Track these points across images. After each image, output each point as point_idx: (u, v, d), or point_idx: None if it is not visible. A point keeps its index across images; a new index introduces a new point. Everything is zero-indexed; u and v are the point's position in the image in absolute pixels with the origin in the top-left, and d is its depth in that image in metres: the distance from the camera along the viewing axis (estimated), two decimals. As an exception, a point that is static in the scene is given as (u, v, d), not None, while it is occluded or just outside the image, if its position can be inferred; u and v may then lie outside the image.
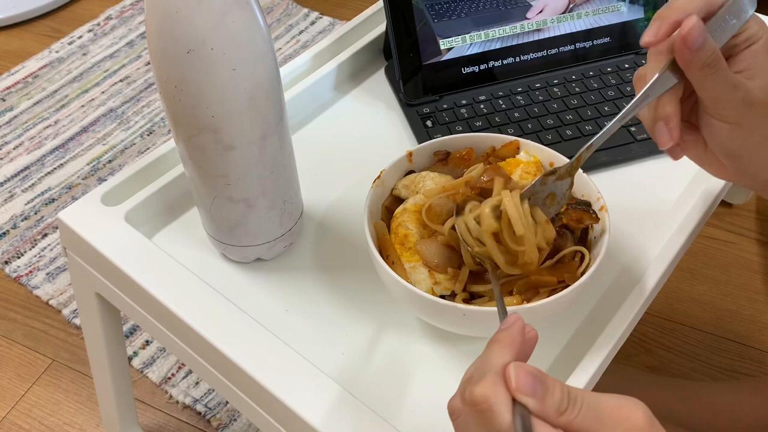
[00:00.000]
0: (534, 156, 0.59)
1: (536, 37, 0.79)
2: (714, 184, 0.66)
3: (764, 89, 0.45)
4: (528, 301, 0.50)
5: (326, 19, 1.70)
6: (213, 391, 1.02)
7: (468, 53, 0.78)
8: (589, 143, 0.50)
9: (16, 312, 1.13)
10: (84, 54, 1.61)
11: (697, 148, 0.50)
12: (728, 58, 0.46)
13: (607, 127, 0.49)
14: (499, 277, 0.51)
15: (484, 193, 0.55)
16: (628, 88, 0.78)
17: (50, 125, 1.44)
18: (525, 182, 0.54)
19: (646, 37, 0.46)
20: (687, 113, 0.49)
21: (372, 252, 0.52)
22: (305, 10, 1.73)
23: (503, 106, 0.76)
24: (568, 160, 0.57)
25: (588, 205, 0.55)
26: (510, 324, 0.38)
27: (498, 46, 0.78)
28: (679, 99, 0.47)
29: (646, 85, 0.46)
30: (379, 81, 0.82)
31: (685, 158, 0.53)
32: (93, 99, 1.50)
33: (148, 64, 1.58)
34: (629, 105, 0.48)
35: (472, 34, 0.77)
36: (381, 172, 0.57)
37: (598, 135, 0.50)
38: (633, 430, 0.33)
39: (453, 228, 0.53)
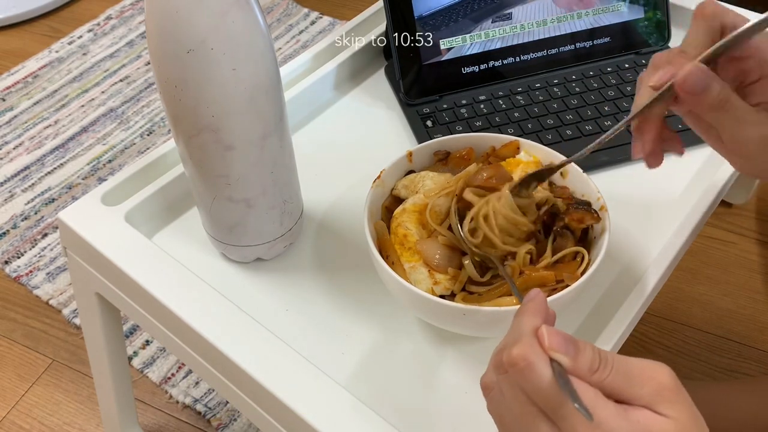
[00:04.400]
0: (534, 156, 0.59)
1: (536, 36, 0.79)
2: (714, 184, 0.66)
3: (758, 125, 0.45)
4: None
5: (326, 19, 1.70)
6: (213, 391, 1.02)
7: (468, 53, 0.78)
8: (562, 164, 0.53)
9: (16, 312, 1.13)
10: (84, 54, 1.61)
11: (714, 143, 0.50)
12: (746, 87, 0.46)
13: (606, 134, 0.50)
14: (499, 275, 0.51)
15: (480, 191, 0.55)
16: (629, 88, 0.78)
17: (50, 125, 1.44)
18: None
19: (653, 82, 0.46)
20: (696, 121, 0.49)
21: (372, 252, 0.52)
22: (305, 10, 1.73)
23: (503, 106, 0.76)
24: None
25: (588, 205, 0.55)
26: (533, 296, 0.39)
27: (498, 46, 0.78)
28: (662, 117, 0.48)
29: (633, 110, 0.48)
30: (379, 81, 0.82)
31: (685, 157, 0.53)
32: (93, 99, 1.50)
33: (148, 64, 1.58)
34: (623, 120, 0.49)
35: (472, 34, 0.77)
36: (381, 172, 0.57)
37: (577, 154, 0.52)
38: (660, 389, 0.34)
39: (449, 228, 0.53)
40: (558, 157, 0.58)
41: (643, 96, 0.48)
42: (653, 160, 0.51)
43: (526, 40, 0.79)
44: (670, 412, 0.33)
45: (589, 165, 0.68)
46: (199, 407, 1.00)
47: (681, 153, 0.51)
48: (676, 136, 0.51)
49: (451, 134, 0.63)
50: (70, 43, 1.64)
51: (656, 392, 0.34)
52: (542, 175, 0.53)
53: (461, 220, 0.54)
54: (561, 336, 0.35)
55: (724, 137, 0.46)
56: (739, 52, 0.46)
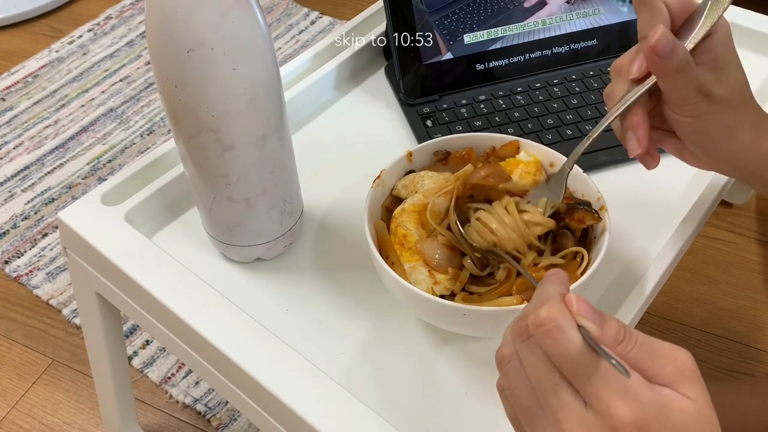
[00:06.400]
0: (534, 156, 0.59)
1: (536, 36, 0.79)
2: (714, 184, 0.66)
3: (722, 83, 0.47)
4: (528, 301, 0.50)
5: (326, 19, 1.70)
6: (213, 390, 1.02)
7: (468, 53, 0.78)
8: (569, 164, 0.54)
9: (16, 312, 1.13)
10: (84, 54, 1.61)
11: (674, 143, 0.52)
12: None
13: (598, 126, 0.51)
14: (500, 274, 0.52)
15: (477, 189, 0.55)
16: (628, 88, 0.78)
17: (50, 125, 1.44)
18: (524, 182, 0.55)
19: (633, 72, 0.48)
20: (653, 117, 0.51)
21: (372, 252, 0.52)
22: (305, 10, 1.73)
23: (503, 106, 0.76)
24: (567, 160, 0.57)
25: (588, 205, 0.55)
26: (556, 271, 0.39)
27: (498, 45, 0.78)
28: (646, 109, 0.49)
29: (617, 102, 0.49)
30: (379, 81, 0.82)
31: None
32: (93, 99, 1.50)
33: (148, 63, 1.58)
34: (608, 114, 0.50)
35: (472, 33, 0.77)
36: (381, 172, 0.57)
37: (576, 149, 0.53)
38: (682, 369, 0.34)
39: (448, 228, 0.53)
40: (558, 157, 0.58)
41: (620, 84, 0.49)
42: (650, 159, 0.51)
43: (526, 40, 0.79)
44: (691, 394, 0.33)
45: (589, 165, 0.68)
46: (199, 407, 1.00)
47: (679, 145, 0.52)
48: (663, 132, 0.52)
49: (451, 134, 0.63)
50: (70, 43, 1.64)
51: (678, 372, 0.34)
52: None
53: (460, 220, 0.54)
54: (588, 304, 0.35)
55: (671, 103, 0.48)
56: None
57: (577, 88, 0.78)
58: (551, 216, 0.53)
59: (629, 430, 0.32)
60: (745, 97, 0.49)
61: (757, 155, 0.50)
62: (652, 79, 0.48)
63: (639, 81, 0.49)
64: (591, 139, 0.52)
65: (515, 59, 0.79)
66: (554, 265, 0.52)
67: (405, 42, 0.75)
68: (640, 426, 0.32)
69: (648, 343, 0.35)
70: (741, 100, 0.49)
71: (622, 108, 0.49)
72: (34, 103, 1.49)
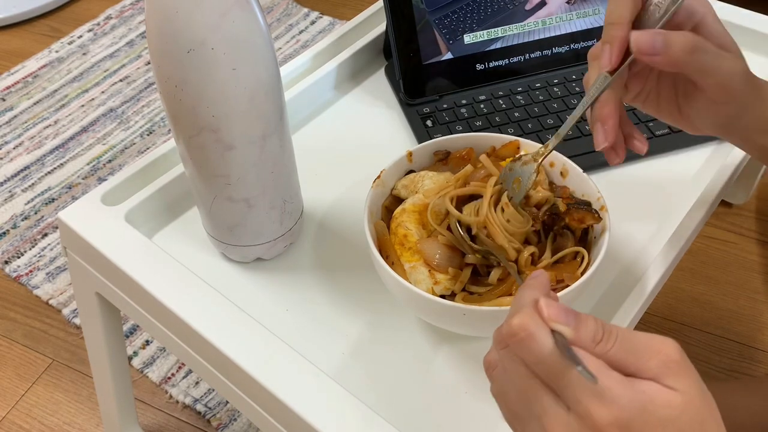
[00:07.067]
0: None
1: (536, 36, 0.79)
2: (714, 184, 0.66)
3: (737, 56, 0.47)
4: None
5: (326, 19, 1.70)
6: (213, 390, 1.02)
7: (468, 53, 0.78)
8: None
9: (16, 312, 1.13)
10: (84, 54, 1.61)
11: (652, 103, 0.52)
12: None
13: (569, 119, 0.51)
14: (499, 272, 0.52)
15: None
16: (628, 88, 0.78)
17: (50, 125, 1.44)
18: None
19: (604, 65, 0.47)
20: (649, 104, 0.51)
21: (372, 252, 0.52)
22: (305, 10, 1.73)
23: (503, 106, 0.76)
24: (567, 160, 0.57)
25: (588, 205, 0.55)
26: (536, 274, 0.39)
27: (498, 45, 0.78)
28: (617, 102, 0.48)
29: (590, 88, 0.48)
30: (379, 81, 0.82)
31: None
32: (93, 99, 1.50)
33: (148, 63, 1.58)
34: (582, 101, 0.50)
35: (472, 33, 0.77)
36: (381, 172, 0.57)
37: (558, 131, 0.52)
38: (667, 362, 0.33)
39: (448, 228, 0.53)
40: (558, 157, 0.58)
41: (593, 72, 0.49)
42: (614, 155, 0.51)
43: (526, 40, 0.79)
44: (678, 385, 0.33)
45: (589, 165, 0.68)
46: (199, 407, 1.00)
47: (643, 150, 0.52)
48: (635, 130, 0.52)
49: (451, 134, 0.63)
50: (70, 43, 1.64)
51: (663, 365, 0.33)
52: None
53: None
54: (561, 307, 0.35)
55: (706, 83, 0.47)
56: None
57: (577, 88, 0.78)
58: (547, 211, 0.53)
59: (611, 431, 0.32)
60: (750, 71, 0.49)
61: None
62: (621, 70, 0.47)
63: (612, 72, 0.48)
64: (569, 127, 0.51)
65: (515, 59, 0.79)
66: (558, 261, 0.52)
67: (405, 42, 0.75)
68: (621, 425, 0.32)
69: (630, 338, 0.34)
70: (751, 75, 0.49)
71: (592, 99, 0.48)
72: (34, 103, 1.49)
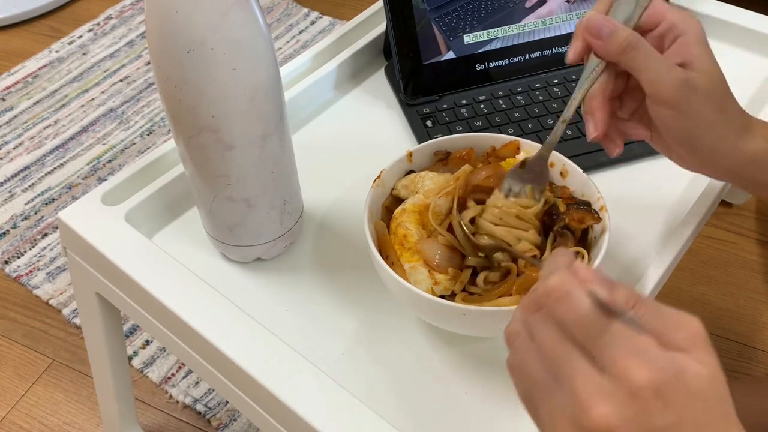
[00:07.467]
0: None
1: (536, 36, 0.79)
2: (714, 184, 0.66)
3: (704, 75, 0.48)
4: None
5: (326, 19, 1.70)
6: (213, 391, 1.02)
7: (468, 53, 0.78)
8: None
9: (16, 312, 1.13)
10: (84, 54, 1.61)
11: (661, 142, 0.52)
12: (665, 51, 0.49)
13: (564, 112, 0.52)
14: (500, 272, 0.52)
15: (478, 190, 0.55)
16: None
17: (50, 125, 1.44)
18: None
19: (570, 57, 0.50)
20: (637, 113, 0.52)
21: (372, 252, 0.52)
22: (305, 10, 1.73)
23: (503, 106, 0.76)
24: (567, 160, 0.57)
25: (588, 205, 0.55)
26: (560, 249, 0.39)
27: (498, 45, 0.78)
28: (606, 94, 0.50)
29: (580, 79, 0.50)
30: (379, 81, 0.82)
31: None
32: (93, 99, 1.50)
33: (148, 64, 1.58)
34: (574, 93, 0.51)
35: (472, 33, 0.77)
36: (381, 172, 0.57)
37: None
38: (695, 335, 0.34)
39: (449, 229, 0.53)
40: (558, 157, 0.58)
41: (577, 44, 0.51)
42: (612, 145, 0.52)
43: (526, 40, 0.79)
44: (705, 359, 0.33)
45: (589, 165, 0.68)
46: (199, 407, 1.00)
47: (647, 135, 0.52)
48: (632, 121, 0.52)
49: (451, 134, 0.63)
50: (70, 43, 1.64)
51: (691, 338, 0.33)
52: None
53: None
54: (596, 271, 0.35)
55: (644, 83, 0.48)
56: (648, 23, 0.50)
57: (577, 88, 0.78)
58: (547, 211, 0.54)
59: (646, 393, 0.31)
60: (726, 96, 0.49)
61: (741, 156, 0.50)
62: (603, 64, 0.49)
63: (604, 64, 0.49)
64: (566, 123, 0.52)
65: (515, 59, 0.79)
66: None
67: (405, 42, 0.75)
68: (657, 389, 0.31)
69: (659, 309, 0.34)
70: (722, 98, 0.49)
71: (580, 94, 0.50)
72: (34, 103, 1.49)
